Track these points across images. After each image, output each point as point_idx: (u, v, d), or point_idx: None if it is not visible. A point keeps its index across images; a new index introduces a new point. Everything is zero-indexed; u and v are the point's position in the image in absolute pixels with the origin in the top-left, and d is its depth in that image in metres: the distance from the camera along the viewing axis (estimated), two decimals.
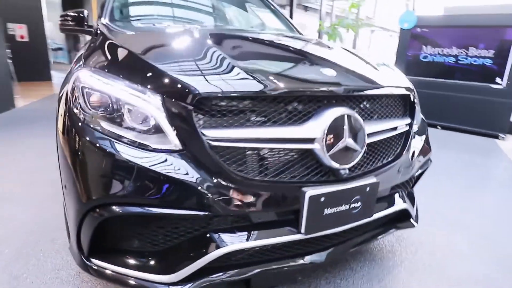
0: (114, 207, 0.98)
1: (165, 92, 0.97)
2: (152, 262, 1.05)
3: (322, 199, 1.04)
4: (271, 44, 1.57)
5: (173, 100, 0.96)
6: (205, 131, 0.96)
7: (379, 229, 1.41)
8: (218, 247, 1.01)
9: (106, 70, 1.08)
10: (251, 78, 1.04)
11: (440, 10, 5.36)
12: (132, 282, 1.04)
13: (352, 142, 1.08)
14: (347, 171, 1.11)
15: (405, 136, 1.35)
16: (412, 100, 1.38)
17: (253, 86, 1.01)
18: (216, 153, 0.97)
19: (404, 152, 1.31)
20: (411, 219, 1.50)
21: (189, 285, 1.04)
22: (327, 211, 1.07)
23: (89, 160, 1.00)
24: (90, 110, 1.02)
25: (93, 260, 1.07)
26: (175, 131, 0.96)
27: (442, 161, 3.31)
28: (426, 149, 1.53)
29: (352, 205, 1.12)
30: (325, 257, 1.20)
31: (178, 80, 0.98)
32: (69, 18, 1.94)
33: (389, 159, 1.28)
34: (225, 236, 1.03)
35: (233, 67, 1.08)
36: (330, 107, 1.06)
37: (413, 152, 1.39)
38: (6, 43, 4.91)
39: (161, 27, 1.80)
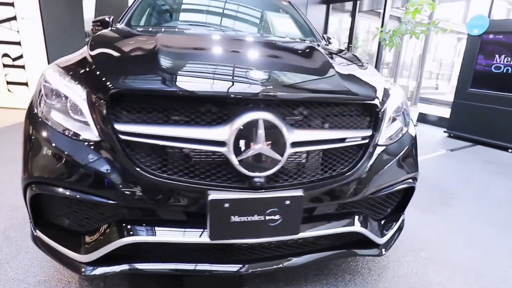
0: (43, 186, 1.10)
1: (89, 88, 1.06)
2: (74, 242, 1.14)
3: (226, 205, 1.00)
4: (231, 47, 1.55)
5: (93, 95, 1.04)
6: (117, 125, 1.01)
7: (330, 251, 1.28)
8: (124, 236, 1.05)
9: (62, 67, 1.22)
10: (169, 77, 1.06)
11: None
12: (59, 256, 1.16)
13: (268, 150, 1.01)
14: (262, 180, 1.04)
15: (362, 150, 1.20)
16: (377, 111, 1.22)
17: (166, 85, 1.03)
18: (126, 147, 1.01)
19: (356, 168, 1.16)
20: (376, 247, 1.33)
21: (104, 268, 1.11)
22: (235, 218, 1.02)
23: (33, 140, 1.13)
24: (44, 101, 1.17)
25: (37, 231, 1.21)
26: (94, 124, 1.04)
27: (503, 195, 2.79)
28: (404, 168, 1.34)
29: (269, 217, 1.04)
30: (249, 269, 1.14)
31: (99, 77, 1.06)
32: (98, 23, 2.22)
33: (333, 173, 1.15)
34: (133, 228, 1.07)
35: (160, 67, 1.11)
36: (246, 111, 1.01)
37: (376, 170, 1.22)
38: None
39: (148, 31, 1.87)
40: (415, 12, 4.94)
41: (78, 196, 1.06)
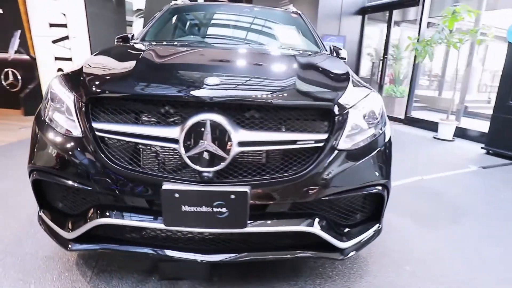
0: (41, 173, 1.33)
1: (77, 93, 1.28)
2: (64, 221, 1.35)
3: (177, 195, 1.13)
4: (208, 57, 1.72)
5: (78, 98, 1.26)
6: (94, 124, 1.21)
7: (287, 250, 1.33)
8: (98, 218, 1.24)
9: (64, 77, 1.46)
10: (135, 84, 1.24)
11: None
12: (53, 234, 1.38)
13: (214, 148, 1.13)
14: (210, 174, 1.16)
15: (317, 154, 1.25)
16: (334, 116, 1.27)
17: (131, 90, 1.21)
18: (100, 142, 1.21)
19: (308, 170, 1.22)
20: (336, 251, 1.35)
21: (85, 245, 1.31)
22: (185, 208, 1.15)
23: (38, 137, 1.37)
24: (49, 105, 1.41)
25: (41, 212, 1.46)
26: (79, 122, 1.25)
27: None
28: (368, 175, 1.35)
29: (216, 210, 1.15)
30: (209, 259, 1.25)
31: (83, 85, 1.28)
32: (121, 39, 2.54)
33: (284, 173, 1.22)
34: (105, 212, 1.25)
35: (133, 76, 1.30)
36: (197, 113, 1.15)
37: (331, 173, 1.25)
38: None
39: (149, 44, 2.04)
40: (453, 20, 4.69)
41: (65, 183, 1.27)
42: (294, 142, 1.22)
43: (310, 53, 2.20)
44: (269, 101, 1.20)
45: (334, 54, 2.71)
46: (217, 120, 1.13)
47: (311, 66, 1.71)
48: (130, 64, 1.41)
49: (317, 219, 1.30)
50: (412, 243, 1.95)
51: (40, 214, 1.45)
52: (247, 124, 1.20)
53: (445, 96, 9.57)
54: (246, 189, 1.15)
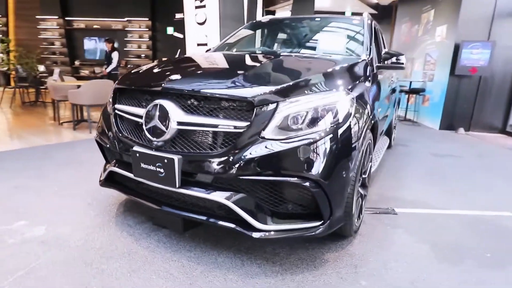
0: (98, 136, 2.12)
1: (116, 85, 2.00)
2: (104, 168, 2.11)
3: (137, 155, 1.64)
4: (215, 63, 2.14)
5: (113, 88, 1.98)
6: (116, 105, 1.90)
7: (220, 219, 1.59)
8: (111, 167, 1.91)
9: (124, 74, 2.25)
10: (137, 79, 1.84)
11: None
12: (100, 178, 2.17)
13: (159, 124, 1.57)
14: (157, 143, 1.60)
15: (237, 138, 1.46)
16: (257, 108, 1.46)
17: (130, 83, 1.82)
18: (115, 117, 1.88)
19: (226, 150, 1.47)
20: (251, 227, 1.51)
21: (108, 184, 2.01)
22: (143, 165, 1.64)
23: (102, 116, 2.19)
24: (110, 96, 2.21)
25: (105, 165, 2.28)
26: (111, 104, 1.96)
27: None
28: (293, 166, 1.46)
29: (157, 169, 1.59)
30: (162, 206, 1.71)
31: (118, 79, 1.98)
32: (209, 49, 3.30)
33: (207, 150, 1.52)
34: (115, 163, 1.91)
35: (142, 74, 1.91)
36: (155, 98, 1.63)
37: (250, 157, 1.43)
38: None
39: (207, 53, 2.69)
40: None
41: (102, 143, 2.00)
42: (216, 126, 1.50)
43: (318, 57, 2.33)
44: (202, 92, 1.54)
45: (392, 60, 2.61)
46: (164, 104, 1.57)
47: (278, 67, 1.95)
48: (154, 67, 2.04)
49: (237, 196, 1.51)
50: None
51: (105, 167, 2.27)
52: (188, 109, 1.58)
53: None
54: (175, 157, 1.53)
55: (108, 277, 1.53)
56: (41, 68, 9.17)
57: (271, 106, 1.47)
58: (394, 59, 2.67)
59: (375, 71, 2.43)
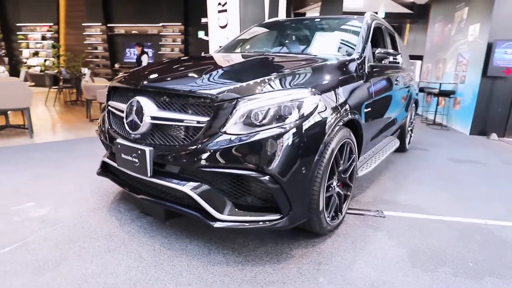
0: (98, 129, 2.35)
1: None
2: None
3: (119, 146, 1.81)
4: (204, 63, 2.24)
5: (109, 87, 2.18)
6: (109, 102, 2.09)
7: (187, 207, 1.70)
8: (104, 157, 2.11)
9: None
10: (125, 78, 2.01)
11: None
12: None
13: (135, 118, 1.72)
14: (134, 136, 1.75)
15: (201, 132, 1.56)
16: (216, 105, 1.55)
17: (118, 81, 1.99)
18: (108, 113, 2.07)
19: (188, 143, 1.58)
20: (213, 217, 1.59)
21: (103, 172, 2.22)
22: (123, 156, 1.80)
23: (102, 112, 2.42)
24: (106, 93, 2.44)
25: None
26: (107, 100, 2.16)
27: None
28: (250, 160, 1.52)
29: (134, 159, 1.74)
30: (140, 195, 1.86)
31: (114, 78, 2.18)
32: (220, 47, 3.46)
33: (174, 142, 1.64)
34: (107, 154, 2.11)
35: (131, 74, 2.08)
36: (135, 95, 1.78)
37: (209, 150, 1.53)
38: None
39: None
40: None
41: (99, 136, 2.22)
42: (182, 120, 1.62)
43: (301, 57, 2.39)
44: (171, 89, 1.67)
45: (389, 59, 2.59)
46: (140, 100, 1.72)
47: (250, 67, 2.05)
48: (146, 68, 2.22)
49: (200, 187, 1.61)
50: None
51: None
52: (161, 105, 1.71)
53: None
54: (146, 148, 1.67)
55: (86, 254, 1.71)
56: (84, 70, 10.03)
57: (231, 103, 1.56)
58: (391, 58, 2.63)
59: (368, 70, 2.40)
